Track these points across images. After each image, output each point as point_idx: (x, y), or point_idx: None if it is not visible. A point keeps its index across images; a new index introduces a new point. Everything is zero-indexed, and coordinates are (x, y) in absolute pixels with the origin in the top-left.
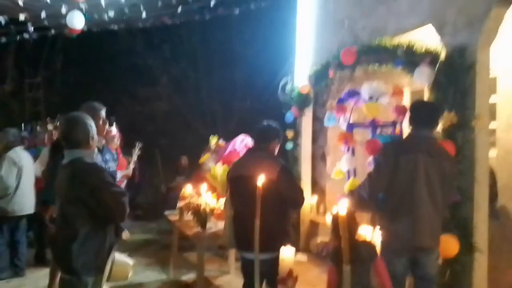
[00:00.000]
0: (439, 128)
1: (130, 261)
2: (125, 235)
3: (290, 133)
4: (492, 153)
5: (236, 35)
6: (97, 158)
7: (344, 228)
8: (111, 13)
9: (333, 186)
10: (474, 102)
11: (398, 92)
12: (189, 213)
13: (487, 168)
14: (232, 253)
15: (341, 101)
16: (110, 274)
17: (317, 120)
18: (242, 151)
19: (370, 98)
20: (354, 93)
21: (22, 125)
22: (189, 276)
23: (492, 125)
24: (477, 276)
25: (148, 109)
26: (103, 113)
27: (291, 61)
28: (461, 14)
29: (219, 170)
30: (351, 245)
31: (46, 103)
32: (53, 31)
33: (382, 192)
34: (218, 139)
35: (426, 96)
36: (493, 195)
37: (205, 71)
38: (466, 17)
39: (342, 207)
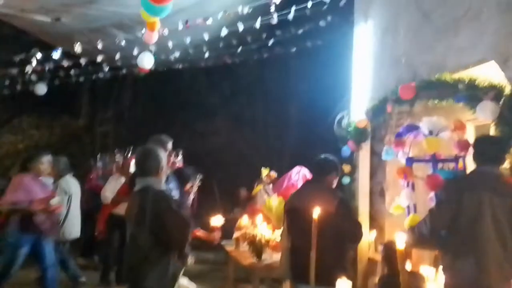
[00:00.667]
0: (507, 164)
1: (193, 285)
2: (190, 260)
3: (346, 168)
4: None
5: (291, 71)
6: (164, 186)
7: (401, 260)
8: (177, 53)
9: (392, 223)
10: None
11: (459, 127)
12: (245, 243)
13: None
14: (287, 286)
15: (399, 135)
16: None
17: (375, 155)
18: (298, 183)
19: (430, 132)
20: (413, 128)
21: (98, 156)
22: None
23: None
24: None
25: (206, 143)
26: (170, 145)
27: (347, 96)
28: None
29: (275, 202)
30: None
31: (115, 136)
32: (124, 71)
33: (444, 230)
34: (270, 170)
35: (491, 131)
36: None
37: (261, 106)
38: None
39: (399, 239)
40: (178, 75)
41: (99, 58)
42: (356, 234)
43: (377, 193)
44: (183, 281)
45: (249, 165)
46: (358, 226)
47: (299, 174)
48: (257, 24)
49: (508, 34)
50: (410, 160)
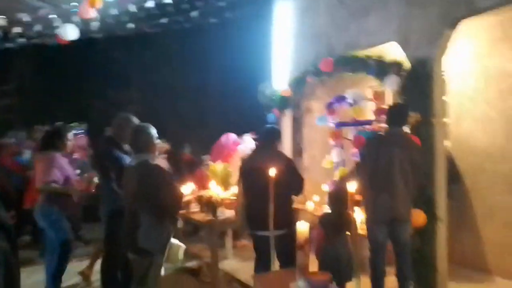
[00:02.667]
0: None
1: (182, 245)
2: (180, 223)
3: None
4: (446, 143)
5: (212, 42)
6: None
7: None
8: (96, 23)
9: (311, 177)
10: (433, 103)
11: (378, 97)
12: (195, 204)
13: (445, 156)
14: (229, 241)
15: (330, 105)
16: (168, 255)
17: (295, 120)
18: (233, 148)
19: (354, 102)
20: (341, 98)
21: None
22: (193, 263)
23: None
24: (439, 241)
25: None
26: (135, 122)
27: (268, 67)
28: (421, 33)
29: (219, 167)
30: (343, 215)
31: (20, 110)
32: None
33: (367, 176)
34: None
35: (390, 98)
36: (453, 177)
37: (182, 76)
38: (425, 36)
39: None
40: (95, 45)
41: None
42: (301, 187)
43: (297, 152)
44: (174, 241)
45: (168, 135)
46: (302, 180)
47: (230, 140)
48: None
49: (408, 21)
50: (339, 125)
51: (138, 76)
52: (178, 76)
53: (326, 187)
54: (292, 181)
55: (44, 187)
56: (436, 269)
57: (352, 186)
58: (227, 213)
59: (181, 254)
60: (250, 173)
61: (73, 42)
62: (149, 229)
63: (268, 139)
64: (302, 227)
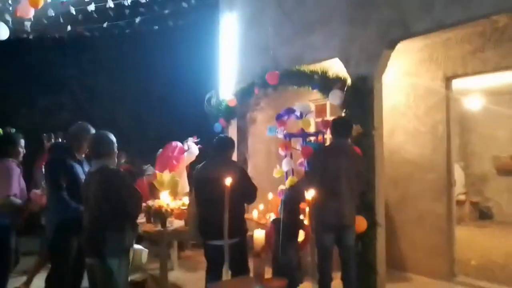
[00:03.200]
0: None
1: (144, 250)
2: (140, 228)
3: None
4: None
5: (155, 51)
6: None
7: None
8: (28, 23)
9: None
10: (373, 117)
11: (320, 110)
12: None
13: (383, 166)
14: (174, 252)
15: (280, 116)
16: (132, 260)
17: (240, 130)
18: (177, 156)
19: (301, 114)
20: (290, 111)
21: None
22: (137, 275)
23: None
24: (379, 245)
25: (50, 119)
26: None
27: (214, 77)
28: (362, 52)
29: (166, 176)
30: (296, 221)
31: None
32: None
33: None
34: None
35: (332, 112)
36: None
37: (121, 82)
38: (366, 55)
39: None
40: (25, 47)
41: None
42: (254, 195)
43: (242, 161)
44: (136, 246)
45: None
46: (255, 188)
47: (175, 149)
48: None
49: (350, 39)
50: (288, 135)
51: (73, 81)
52: (116, 83)
53: (270, 196)
54: (246, 190)
55: (4, 201)
56: (376, 272)
57: (308, 194)
58: (175, 224)
59: (144, 258)
60: (204, 182)
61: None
62: (112, 233)
63: (221, 148)
64: (259, 235)
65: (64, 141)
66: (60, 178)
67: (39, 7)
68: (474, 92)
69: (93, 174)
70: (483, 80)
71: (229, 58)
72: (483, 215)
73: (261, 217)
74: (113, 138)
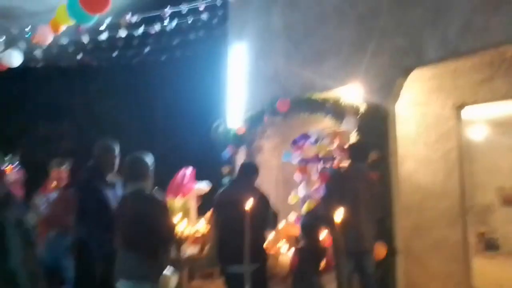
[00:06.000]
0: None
1: (175, 275)
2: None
3: (226, 169)
4: None
5: (162, 80)
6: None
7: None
8: (39, 51)
9: None
10: (388, 143)
11: (337, 136)
12: None
13: (399, 191)
14: (185, 281)
15: (295, 142)
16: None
17: (248, 158)
18: (189, 183)
19: (316, 140)
20: (305, 136)
21: None
22: None
23: None
24: (399, 271)
25: (51, 148)
26: (117, 149)
27: (222, 106)
28: (375, 80)
29: (179, 202)
30: (317, 247)
31: None
32: None
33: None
34: None
35: (351, 138)
36: None
37: (126, 110)
38: (379, 83)
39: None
40: (31, 74)
41: None
42: (276, 221)
43: None
44: (167, 271)
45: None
46: (277, 215)
47: (186, 176)
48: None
49: (361, 68)
50: (304, 161)
51: (78, 109)
52: (122, 111)
53: (281, 225)
54: (268, 216)
55: None
56: None
57: (337, 216)
58: (189, 250)
59: (172, 284)
60: (225, 205)
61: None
62: (145, 258)
63: (245, 173)
64: (284, 260)
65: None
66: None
67: (60, 32)
68: (478, 122)
69: (128, 198)
70: (487, 111)
71: (237, 87)
72: (490, 246)
73: (271, 246)
74: (149, 160)
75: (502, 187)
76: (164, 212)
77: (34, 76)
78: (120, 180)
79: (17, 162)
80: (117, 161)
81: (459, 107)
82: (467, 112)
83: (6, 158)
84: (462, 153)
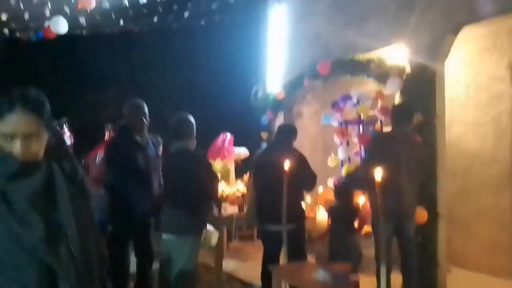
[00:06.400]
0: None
1: (215, 231)
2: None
3: (264, 135)
4: None
5: (203, 45)
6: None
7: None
8: (82, 19)
9: None
10: (435, 105)
11: (381, 97)
12: None
13: (445, 156)
14: (224, 241)
15: (336, 104)
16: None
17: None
18: (229, 147)
19: (358, 101)
20: (346, 97)
21: None
22: None
23: None
24: (440, 237)
25: (97, 114)
26: (145, 109)
27: (261, 70)
28: (423, 38)
29: (219, 165)
30: (351, 207)
31: None
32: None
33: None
34: None
35: (396, 100)
36: None
37: (169, 77)
38: (427, 41)
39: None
40: (76, 42)
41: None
42: (313, 183)
43: None
44: (209, 227)
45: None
46: (315, 176)
47: (226, 140)
48: None
49: (408, 26)
50: (345, 123)
51: (121, 76)
52: (163, 78)
53: (320, 189)
54: (305, 177)
55: None
56: (437, 264)
57: (377, 174)
58: (229, 210)
59: (214, 239)
60: (263, 166)
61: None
62: (189, 213)
63: (284, 135)
64: (322, 217)
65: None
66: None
67: None
68: None
69: (173, 156)
70: None
71: (277, 50)
72: None
73: (309, 210)
74: (193, 120)
75: None
76: (208, 169)
77: (79, 43)
78: (155, 138)
79: (66, 127)
80: (146, 120)
81: None
82: None
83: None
84: None
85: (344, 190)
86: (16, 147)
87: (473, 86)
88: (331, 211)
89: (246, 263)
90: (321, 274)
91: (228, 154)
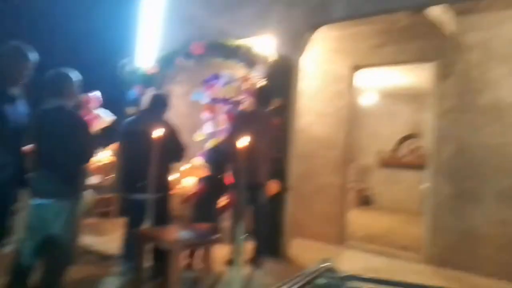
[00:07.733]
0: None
1: (91, 191)
2: None
3: (131, 110)
4: None
5: (68, 12)
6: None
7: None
8: None
9: None
10: (292, 92)
11: (246, 80)
12: None
13: (296, 139)
14: None
15: (207, 82)
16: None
17: None
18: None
19: (227, 82)
20: (216, 77)
21: None
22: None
23: None
24: (288, 207)
25: None
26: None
27: (131, 44)
28: (287, 32)
29: None
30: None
31: None
32: None
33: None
34: None
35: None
36: None
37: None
38: (289, 36)
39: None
40: None
41: None
42: (182, 154)
43: None
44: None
45: None
46: (184, 148)
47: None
48: None
49: (276, 19)
50: (214, 100)
51: None
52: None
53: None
54: (175, 148)
55: None
56: (283, 232)
57: (240, 142)
58: (93, 180)
59: (91, 200)
60: (132, 135)
61: None
62: (62, 177)
63: (156, 104)
64: (189, 182)
65: None
66: None
67: None
68: (367, 90)
69: (49, 113)
70: (374, 79)
71: (150, 26)
72: (365, 201)
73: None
74: (74, 77)
75: (380, 151)
76: (85, 130)
77: None
78: (22, 95)
79: None
80: (26, 72)
81: (354, 68)
82: (359, 79)
83: None
84: (351, 111)
85: (216, 163)
86: None
87: (322, 82)
88: (203, 181)
89: (103, 238)
90: (185, 234)
91: (91, 121)
